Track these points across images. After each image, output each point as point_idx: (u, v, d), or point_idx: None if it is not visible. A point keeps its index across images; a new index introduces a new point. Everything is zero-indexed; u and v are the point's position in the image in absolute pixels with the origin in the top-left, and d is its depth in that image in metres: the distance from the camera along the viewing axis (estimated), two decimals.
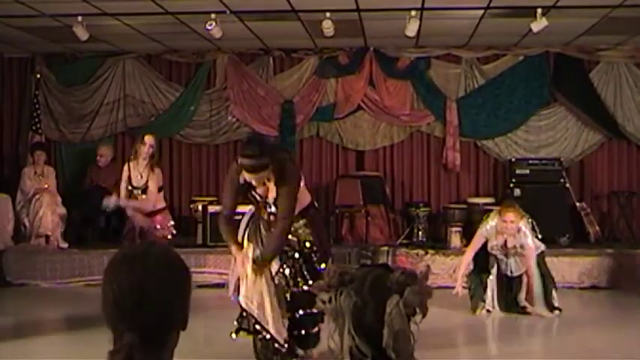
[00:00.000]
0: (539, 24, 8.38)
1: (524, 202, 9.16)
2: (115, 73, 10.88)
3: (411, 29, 8.73)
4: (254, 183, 4.58)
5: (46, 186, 9.61)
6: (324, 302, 1.83)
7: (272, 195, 4.63)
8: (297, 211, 4.72)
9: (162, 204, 6.85)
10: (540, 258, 7.02)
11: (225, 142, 10.78)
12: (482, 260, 6.95)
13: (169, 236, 6.72)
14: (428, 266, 1.96)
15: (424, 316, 1.81)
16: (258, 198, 4.74)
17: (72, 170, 10.72)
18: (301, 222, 4.83)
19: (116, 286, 1.60)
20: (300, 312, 4.72)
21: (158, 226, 6.74)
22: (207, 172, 11.00)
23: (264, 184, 4.61)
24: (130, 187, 7.35)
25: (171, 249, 1.73)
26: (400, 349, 1.73)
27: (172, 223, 6.81)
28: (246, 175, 4.55)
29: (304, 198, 4.87)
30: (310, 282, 4.68)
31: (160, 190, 6.91)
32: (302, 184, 4.86)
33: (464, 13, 8.50)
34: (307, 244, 4.83)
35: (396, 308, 1.74)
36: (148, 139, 6.79)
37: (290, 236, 4.74)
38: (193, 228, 9.88)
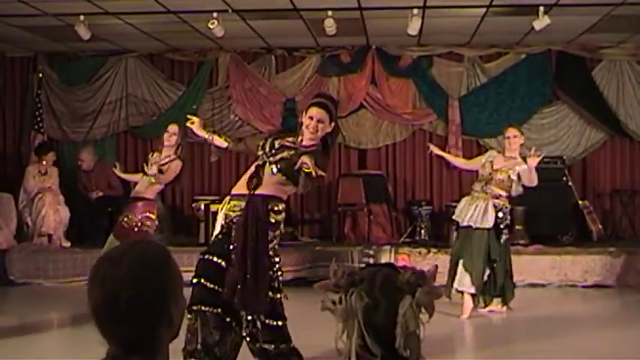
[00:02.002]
0: (541, 22, 8.38)
1: (526, 201, 9.19)
2: (117, 72, 10.89)
3: (413, 28, 8.73)
4: (313, 117, 4.60)
5: (49, 185, 9.62)
6: (334, 303, 1.82)
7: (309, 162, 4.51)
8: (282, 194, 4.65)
9: (150, 195, 6.74)
10: (504, 247, 6.94)
11: None
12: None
13: (147, 230, 6.65)
14: (436, 266, 1.96)
15: (431, 316, 1.81)
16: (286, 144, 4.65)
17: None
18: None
19: (91, 297, 1.58)
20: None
21: (139, 214, 6.67)
22: (209, 171, 11.00)
23: (315, 131, 4.58)
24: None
25: (152, 248, 1.67)
26: (412, 349, 1.73)
27: (154, 220, 6.70)
28: (311, 110, 4.64)
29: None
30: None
31: (161, 182, 6.77)
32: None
33: (466, 11, 8.50)
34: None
35: (410, 309, 1.75)
36: (171, 127, 6.70)
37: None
38: (195, 227, 9.90)
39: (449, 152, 10.40)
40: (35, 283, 8.83)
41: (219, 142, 5.10)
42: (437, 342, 5.36)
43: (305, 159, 4.30)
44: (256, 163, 4.70)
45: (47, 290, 8.64)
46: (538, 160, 6.65)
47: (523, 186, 6.94)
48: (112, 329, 1.57)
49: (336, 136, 4.89)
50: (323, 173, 4.35)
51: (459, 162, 7.70)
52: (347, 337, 1.79)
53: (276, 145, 4.65)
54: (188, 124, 5.20)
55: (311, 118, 4.63)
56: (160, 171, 6.62)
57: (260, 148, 4.70)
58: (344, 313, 1.79)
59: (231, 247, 4.57)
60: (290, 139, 4.72)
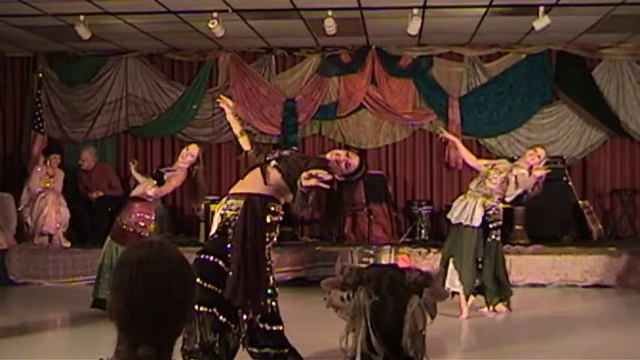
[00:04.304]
0: (541, 22, 8.38)
1: (526, 200, 9.20)
2: (117, 72, 10.89)
3: (414, 27, 8.73)
4: (349, 155, 4.64)
5: (53, 186, 9.57)
6: (342, 299, 1.82)
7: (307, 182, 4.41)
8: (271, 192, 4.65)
9: (145, 197, 6.76)
10: (494, 248, 6.92)
11: (228, 141, 10.77)
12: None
13: (142, 230, 6.66)
14: (440, 269, 1.98)
15: (433, 317, 1.82)
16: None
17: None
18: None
19: (130, 298, 1.57)
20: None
21: (135, 215, 6.67)
22: (209, 170, 10.97)
23: (335, 162, 4.60)
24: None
25: (176, 249, 1.71)
26: (417, 348, 1.74)
27: (151, 221, 6.72)
28: (352, 153, 4.72)
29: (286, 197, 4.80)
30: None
31: (160, 193, 6.82)
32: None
33: (466, 11, 8.49)
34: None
35: (418, 309, 1.76)
36: (192, 147, 6.65)
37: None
38: (195, 227, 9.90)
39: (448, 153, 10.45)
40: (35, 283, 8.82)
41: (243, 142, 4.98)
42: (436, 342, 5.35)
43: (315, 170, 4.30)
44: (259, 163, 4.72)
45: (47, 290, 8.63)
46: (545, 172, 6.66)
47: (525, 192, 6.92)
48: (149, 329, 1.57)
49: (349, 200, 4.90)
50: (325, 185, 4.33)
51: (465, 154, 7.40)
52: (354, 335, 1.79)
53: (283, 150, 4.70)
54: (221, 102, 5.08)
55: (347, 154, 4.66)
56: (161, 176, 6.63)
57: (269, 154, 4.73)
58: (353, 310, 1.80)
59: (229, 246, 4.57)
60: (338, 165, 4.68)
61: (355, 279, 1.82)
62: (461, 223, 6.78)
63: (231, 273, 4.49)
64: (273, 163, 4.61)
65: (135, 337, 1.57)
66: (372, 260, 8.56)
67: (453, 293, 6.75)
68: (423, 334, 1.78)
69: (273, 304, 4.63)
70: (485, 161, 7.26)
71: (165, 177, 6.60)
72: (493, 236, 6.84)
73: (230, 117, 5.05)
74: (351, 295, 1.81)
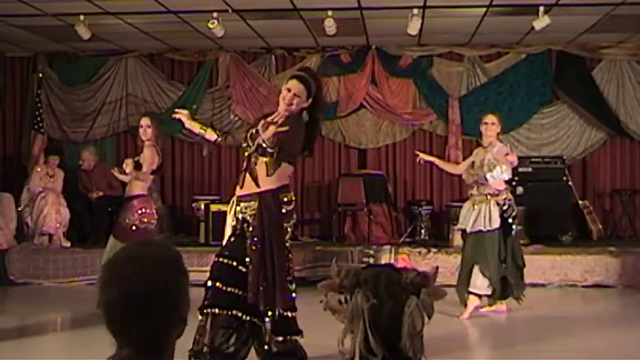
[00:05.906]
0: (541, 22, 8.39)
1: (526, 200, 9.22)
2: (117, 72, 10.89)
3: (413, 27, 8.74)
4: (291, 90, 4.62)
5: (53, 186, 9.57)
6: (340, 302, 1.82)
7: (269, 133, 4.35)
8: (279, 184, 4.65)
9: (141, 191, 6.72)
10: (515, 241, 6.91)
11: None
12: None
13: (146, 226, 6.63)
14: (436, 267, 1.96)
15: (430, 317, 1.82)
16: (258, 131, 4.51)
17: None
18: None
19: (108, 297, 1.58)
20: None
21: (137, 212, 6.65)
22: (209, 170, 11.00)
23: (290, 104, 4.59)
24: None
25: (167, 247, 1.69)
26: (416, 349, 1.74)
27: (153, 214, 6.69)
28: (290, 82, 4.68)
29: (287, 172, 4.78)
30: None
31: (152, 172, 6.78)
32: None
33: (466, 11, 8.50)
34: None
35: (416, 310, 1.76)
36: (143, 120, 6.70)
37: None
38: (196, 227, 9.90)
39: (448, 153, 10.45)
40: (35, 283, 8.82)
41: (209, 135, 5.09)
42: (437, 342, 5.34)
43: (267, 133, 4.30)
44: (245, 157, 4.74)
45: (47, 290, 8.64)
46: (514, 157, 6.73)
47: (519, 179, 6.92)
48: (129, 329, 1.56)
49: (322, 110, 4.90)
50: (270, 134, 4.31)
51: (448, 167, 7.59)
52: (352, 337, 1.79)
53: (253, 134, 4.65)
54: (176, 116, 5.16)
55: (288, 90, 4.65)
56: (139, 165, 6.62)
57: (244, 140, 4.73)
58: (351, 313, 1.79)
59: (248, 249, 4.58)
60: (269, 118, 4.71)
61: (352, 281, 1.82)
62: (480, 230, 6.73)
63: (250, 278, 4.51)
64: (257, 154, 4.61)
65: (118, 336, 1.58)
66: (372, 260, 8.56)
67: (470, 293, 6.75)
68: (421, 335, 1.78)
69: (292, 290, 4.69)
70: (462, 164, 7.28)
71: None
72: (514, 231, 6.81)
73: (188, 123, 5.12)
74: (348, 297, 1.81)
